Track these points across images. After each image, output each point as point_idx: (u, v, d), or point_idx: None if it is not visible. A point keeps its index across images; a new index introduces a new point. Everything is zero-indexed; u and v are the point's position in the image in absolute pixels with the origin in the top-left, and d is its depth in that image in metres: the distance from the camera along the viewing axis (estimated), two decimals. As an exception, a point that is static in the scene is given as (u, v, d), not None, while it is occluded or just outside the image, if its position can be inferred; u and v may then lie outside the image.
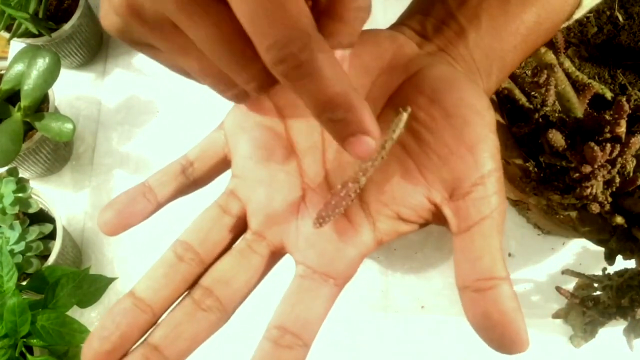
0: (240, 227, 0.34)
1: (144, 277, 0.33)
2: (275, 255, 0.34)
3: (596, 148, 0.48)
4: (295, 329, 0.31)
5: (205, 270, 0.33)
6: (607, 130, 0.49)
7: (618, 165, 0.50)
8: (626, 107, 0.47)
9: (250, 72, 0.27)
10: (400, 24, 0.38)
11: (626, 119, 0.48)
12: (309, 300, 0.32)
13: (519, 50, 0.36)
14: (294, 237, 0.34)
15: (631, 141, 0.48)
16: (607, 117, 0.49)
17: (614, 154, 0.49)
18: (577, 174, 0.50)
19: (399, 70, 0.34)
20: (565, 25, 0.41)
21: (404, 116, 0.31)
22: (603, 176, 0.50)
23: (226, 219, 0.34)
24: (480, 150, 0.31)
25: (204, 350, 0.33)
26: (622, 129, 0.49)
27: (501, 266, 0.30)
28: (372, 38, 0.35)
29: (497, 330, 0.29)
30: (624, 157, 0.50)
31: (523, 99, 0.59)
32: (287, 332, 0.31)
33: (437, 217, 0.32)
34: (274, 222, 0.33)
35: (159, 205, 0.35)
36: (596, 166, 0.49)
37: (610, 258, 0.56)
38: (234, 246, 0.34)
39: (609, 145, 0.49)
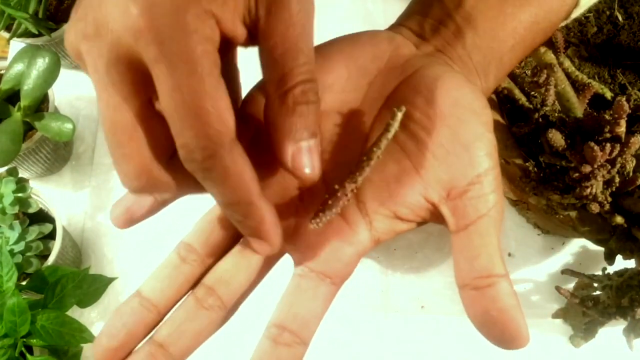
0: None
1: (150, 278, 0.34)
2: (274, 255, 0.35)
3: (596, 148, 0.48)
4: (294, 327, 0.31)
5: (207, 270, 0.34)
6: (606, 130, 0.49)
7: (618, 165, 0.50)
8: (626, 106, 0.47)
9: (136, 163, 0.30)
10: (399, 25, 0.38)
11: (626, 118, 0.48)
12: (307, 299, 0.32)
13: (517, 50, 0.37)
14: (292, 238, 0.34)
15: (631, 141, 0.49)
16: (607, 117, 0.49)
17: (614, 154, 0.49)
18: (577, 174, 0.51)
19: (396, 71, 0.35)
20: (563, 24, 0.41)
21: (399, 116, 0.31)
22: (603, 176, 0.50)
23: (227, 221, 0.34)
24: (476, 149, 0.31)
25: (205, 348, 0.33)
26: (622, 128, 0.49)
27: (499, 264, 0.30)
28: (370, 39, 0.36)
29: (497, 327, 0.29)
30: (624, 157, 0.50)
31: (523, 99, 0.59)
32: (286, 331, 0.31)
33: (435, 216, 0.33)
34: None
35: (165, 202, 0.35)
36: (596, 166, 0.49)
37: (610, 258, 0.56)
38: (235, 247, 0.34)
39: (608, 145, 0.49)
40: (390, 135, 0.31)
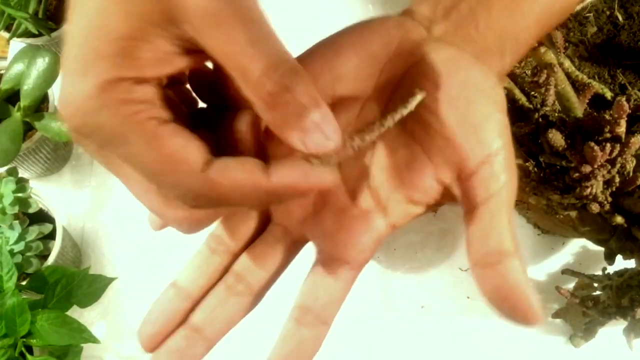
0: (265, 220, 0.36)
1: (183, 269, 0.37)
2: (297, 243, 0.36)
3: (596, 148, 0.48)
4: (316, 310, 0.34)
5: (235, 259, 0.36)
6: (607, 130, 0.49)
7: (618, 165, 0.50)
8: (626, 106, 0.47)
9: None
10: (411, 9, 0.38)
11: (626, 118, 0.48)
12: (328, 284, 0.34)
13: (532, 30, 0.37)
14: (312, 227, 0.35)
15: (631, 141, 0.49)
16: (607, 117, 0.49)
17: (614, 154, 0.49)
18: (577, 174, 0.51)
19: (405, 56, 0.35)
20: (579, 7, 0.41)
21: (418, 97, 0.31)
22: (603, 176, 0.50)
23: (253, 213, 0.36)
24: (485, 129, 0.31)
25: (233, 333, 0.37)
26: (622, 128, 0.49)
27: (509, 241, 0.31)
28: (380, 26, 0.36)
29: (508, 303, 0.30)
30: (624, 157, 0.50)
31: (523, 99, 0.59)
32: (309, 312, 0.34)
33: (448, 197, 0.33)
34: (293, 214, 0.35)
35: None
36: (596, 166, 0.49)
37: (610, 258, 0.56)
38: (260, 237, 0.36)
39: (608, 145, 0.49)
40: (405, 111, 0.31)
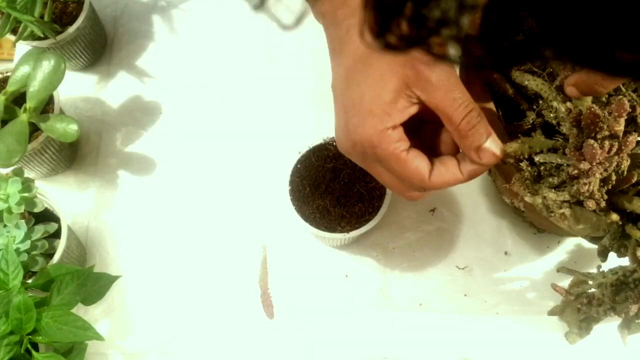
0: None
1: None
2: None
3: (595, 145, 0.48)
4: None
5: None
6: (605, 127, 0.50)
7: (614, 163, 0.51)
8: (627, 105, 0.48)
9: (400, 194, 0.54)
10: None
11: (625, 117, 0.49)
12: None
13: None
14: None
15: (629, 140, 0.49)
16: (605, 114, 0.50)
17: (612, 152, 0.50)
18: (576, 171, 0.51)
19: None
20: None
21: None
22: (600, 173, 0.51)
23: None
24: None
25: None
26: (620, 127, 0.49)
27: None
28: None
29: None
30: (621, 155, 0.50)
31: (518, 98, 0.60)
32: None
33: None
34: None
35: None
36: (594, 163, 0.50)
37: (603, 255, 0.57)
38: None
39: (607, 142, 0.49)
40: None
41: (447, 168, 0.49)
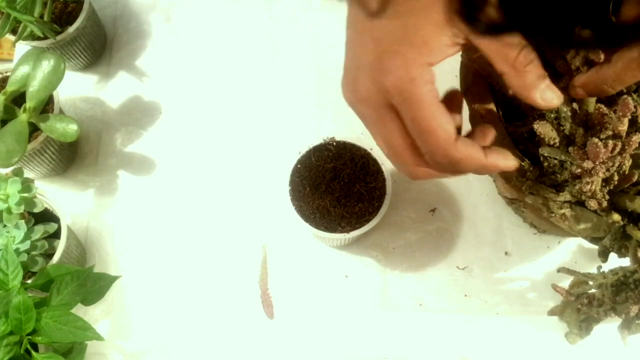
0: None
1: None
2: None
3: (600, 144, 0.48)
4: None
5: None
6: (609, 127, 0.50)
7: (617, 163, 0.51)
8: (631, 105, 0.47)
9: (404, 167, 0.47)
10: None
11: (629, 117, 0.49)
12: None
13: None
14: None
15: (632, 140, 0.49)
16: (610, 114, 0.50)
17: (615, 152, 0.50)
18: (579, 170, 0.51)
19: None
20: None
21: None
22: (603, 173, 0.51)
23: None
24: None
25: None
26: (624, 127, 0.49)
27: None
28: None
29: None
30: (623, 155, 0.50)
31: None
32: None
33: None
34: None
35: None
36: (598, 162, 0.50)
37: (603, 255, 0.57)
38: None
39: (611, 142, 0.49)
40: None
41: (473, 143, 0.44)
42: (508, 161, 0.46)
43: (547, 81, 0.43)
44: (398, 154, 0.46)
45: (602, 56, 0.47)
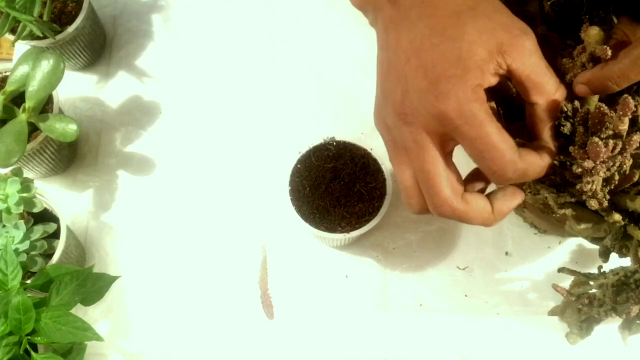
0: None
1: None
2: None
3: (600, 143, 0.48)
4: None
5: None
6: (610, 126, 0.49)
7: (617, 163, 0.51)
8: (632, 104, 0.47)
9: (416, 206, 0.49)
10: None
11: (630, 116, 0.48)
12: None
13: None
14: None
15: (633, 139, 0.49)
16: (610, 113, 0.50)
17: (616, 151, 0.50)
18: (580, 169, 0.51)
19: None
20: None
21: None
22: (604, 172, 0.51)
23: None
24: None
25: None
26: (624, 126, 0.49)
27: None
28: None
29: None
30: (624, 154, 0.50)
31: (520, 97, 0.60)
32: None
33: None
34: None
35: None
36: (598, 162, 0.50)
37: (604, 255, 0.56)
38: None
39: (612, 141, 0.49)
40: None
41: (534, 152, 0.46)
42: (550, 156, 0.48)
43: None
44: (434, 183, 0.45)
45: (609, 52, 0.47)
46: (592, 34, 0.48)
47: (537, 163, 0.46)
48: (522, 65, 0.44)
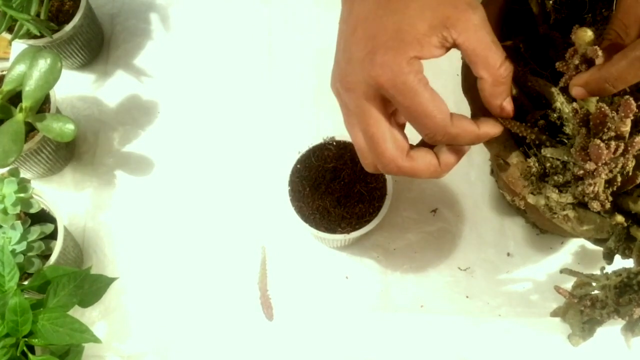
0: None
1: None
2: None
3: (602, 145, 0.48)
4: None
5: None
6: (612, 128, 0.49)
7: (620, 164, 0.50)
8: (634, 105, 0.47)
9: (370, 166, 0.51)
10: None
11: (632, 117, 0.48)
12: None
13: None
14: None
15: (635, 140, 0.48)
16: (612, 114, 0.49)
17: (618, 153, 0.49)
18: (582, 171, 0.51)
19: None
20: None
21: None
22: (606, 174, 0.50)
23: None
24: None
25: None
26: (626, 127, 0.49)
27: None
28: None
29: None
30: (627, 156, 0.50)
31: (522, 97, 0.60)
32: None
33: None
34: None
35: None
36: (600, 164, 0.49)
37: (609, 258, 0.56)
38: None
39: (613, 143, 0.49)
40: None
41: (466, 117, 0.49)
42: (496, 128, 0.52)
43: (509, 97, 0.50)
44: (378, 144, 0.48)
45: (600, 53, 0.47)
46: (582, 35, 0.48)
47: (469, 129, 0.49)
48: (467, 40, 0.46)
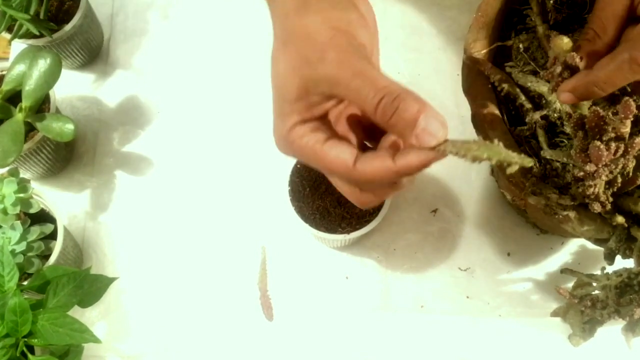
0: None
1: None
2: None
3: (602, 147, 0.48)
4: None
5: None
6: (611, 129, 0.49)
7: (620, 165, 0.50)
8: (633, 106, 0.47)
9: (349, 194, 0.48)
10: None
11: (632, 119, 0.48)
12: None
13: None
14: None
15: (635, 141, 0.48)
16: (610, 115, 0.49)
17: (618, 154, 0.49)
18: (582, 173, 0.50)
19: None
20: None
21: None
22: (606, 176, 0.50)
23: None
24: None
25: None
26: (626, 128, 0.49)
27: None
28: None
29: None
30: (627, 157, 0.50)
31: (522, 98, 0.59)
32: None
33: None
34: None
35: None
36: (600, 165, 0.49)
37: (610, 258, 0.56)
38: None
39: (614, 144, 0.49)
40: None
41: (377, 155, 0.42)
42: (422, 155, 0.40)
43: (422, 119, 0.41)
44: (342, 190, 0.48)
45: (578, 59, 0.47)
46: (559, 44, 0.48)
47: (381, 169, 0.41)
48: (333, 94, 0.43)
